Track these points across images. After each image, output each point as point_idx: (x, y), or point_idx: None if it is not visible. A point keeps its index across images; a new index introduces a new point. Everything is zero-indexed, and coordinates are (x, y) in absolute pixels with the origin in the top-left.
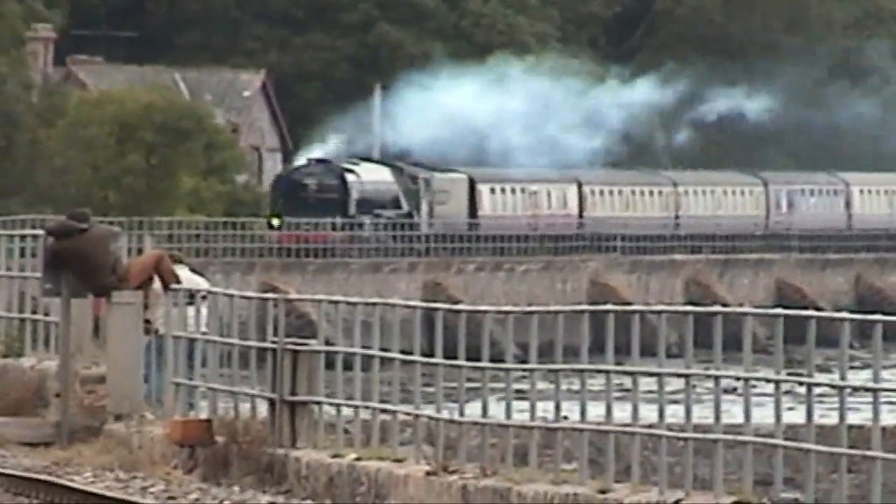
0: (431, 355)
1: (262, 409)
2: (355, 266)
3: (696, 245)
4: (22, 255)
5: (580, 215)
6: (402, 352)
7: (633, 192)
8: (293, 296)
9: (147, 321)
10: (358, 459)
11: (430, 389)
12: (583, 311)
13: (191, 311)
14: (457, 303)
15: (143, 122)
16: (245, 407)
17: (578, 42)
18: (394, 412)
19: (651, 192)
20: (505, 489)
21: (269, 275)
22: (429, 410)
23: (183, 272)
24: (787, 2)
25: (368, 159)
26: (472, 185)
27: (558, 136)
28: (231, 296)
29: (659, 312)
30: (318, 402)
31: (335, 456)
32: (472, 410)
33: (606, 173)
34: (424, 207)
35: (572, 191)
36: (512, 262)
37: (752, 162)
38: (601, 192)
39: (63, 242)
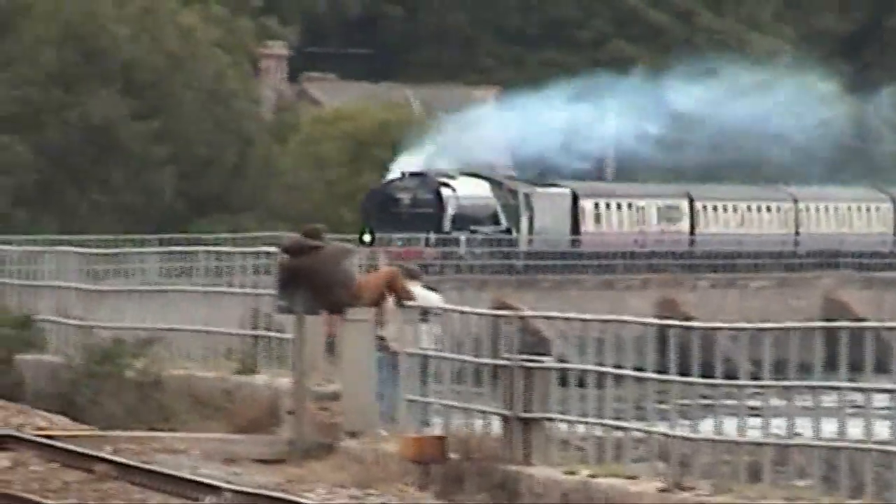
0: (664, 372)
1: (496, 425)
2: (588, 283)
3: None
4: (256, 272)
5: (692, 232)
6: (636, 368)
7: (749, 208)
8: (526, 312)
9: (380, 338)
10: (591, 476)
11: (664, 406)
12: (815, 328)
13: (424, 327)
14: (690, 320)
15: (377, 140)
16: (478, 423)
17: (811, 57)
18: (627, 429)
19: (769, 208)
20: None
21: (503, 291)
22: (662, 427)
23: (417, 289)
24: None
25: (470, 173)
26: (574, 199)
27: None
28: (464, 312)
29: (893, 328)
30: (552, 419)
31: (568, 473)
32: (706, 427)
33: (720, 188)
34: (524, 223)
35: (683, 206)
36: (745, 279)
37: None
38: (714, 208)
39: (297, 260)
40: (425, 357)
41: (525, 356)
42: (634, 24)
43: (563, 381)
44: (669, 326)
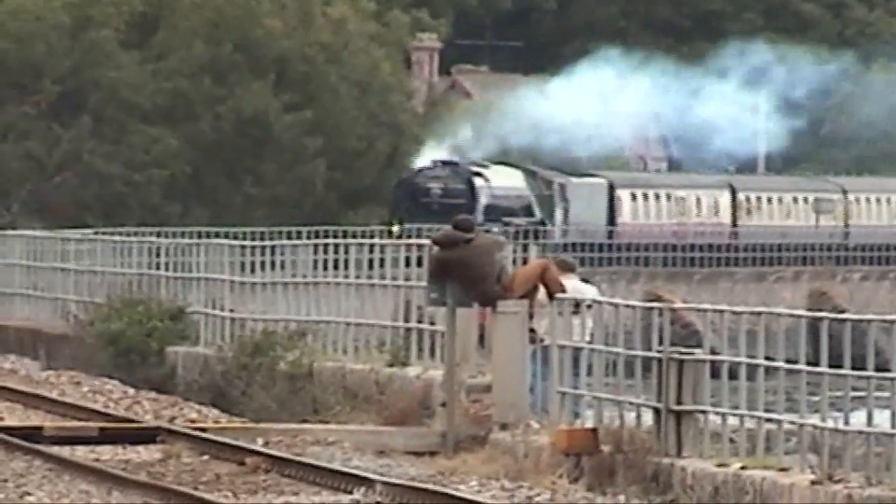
0: (816, 364)
1: (648, 417)
2: (740, 275)
3: None
4: (407, 264)
5: (734, 224)
6: (788, 361)
7: (796, 200)
8: (678, 305)
9: (532, 330)
10: (743, 468)
11: (815, 398)
12: None
13: (576, 320)
14: (842, 312)
15: None
16: (630, 416)
17: None
18: (779, 421)
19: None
20: (890, 498)
21: (654, 284)
22: (814, 419)
23: (570, 281)
24: None
25: (503, 162)
26: (611, 190)
27: None
28: (616, 305)
29: None
30: (704, 411)
31: (720, 465)
32: (857, 419)
33: (762, 179)
34: (558, 215)
35: (725, 197)
36: None
37: None
38: (757, 199)
39: (449, 252)
40: (577, 349)
41: (677, 348)
42: (785, 16)
43: (715, 374)
44: (821, 319)
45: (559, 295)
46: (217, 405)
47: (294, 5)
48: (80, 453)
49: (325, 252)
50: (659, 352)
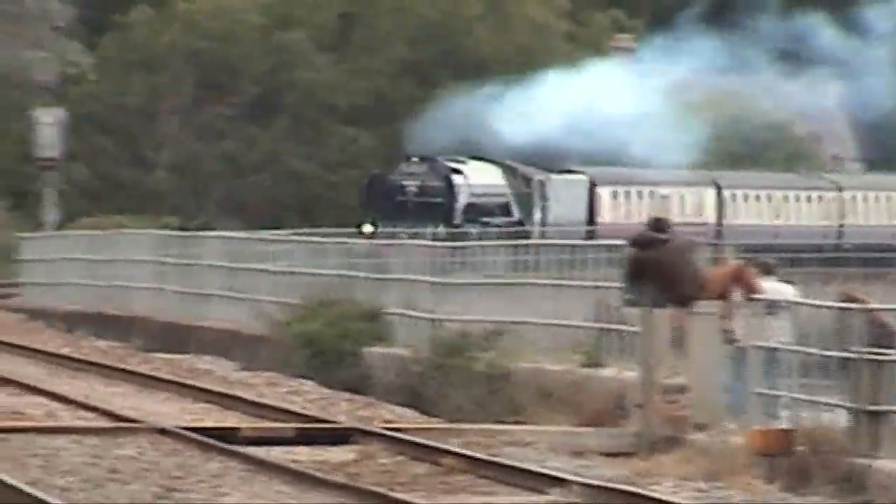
0: None
1: (843, 418)
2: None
3: None
4: (603, 265)
5: (718, 223)
6: None
7: (786, 198)
8: (874, 305)
9: (727, 331)
10: None
11: None
12: None
13: (773, 321)
14: None
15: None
16: (825, 416)
17: None
18: None
19: (808, 198)
20: None
21: (849, 284)
22: None
23: (769, 283)
24: None
25: (479, 157)
26: (592, 187)
27: None
28: (812, 306)
29: None
30: None
31: None
32: None
33: (749, 175)
34: (537, 214)
35: (710, 195)
36: None
37: None
38: (745, 197)
39: (644, 252)
40: (773, 350)
41: (872, 349)
42: None
43: None
44: None
45: (755, 296)
46: (413, 406)
47: (493, 7)
48: (276, 454)
49: (521, 253)
50: (854, 353)
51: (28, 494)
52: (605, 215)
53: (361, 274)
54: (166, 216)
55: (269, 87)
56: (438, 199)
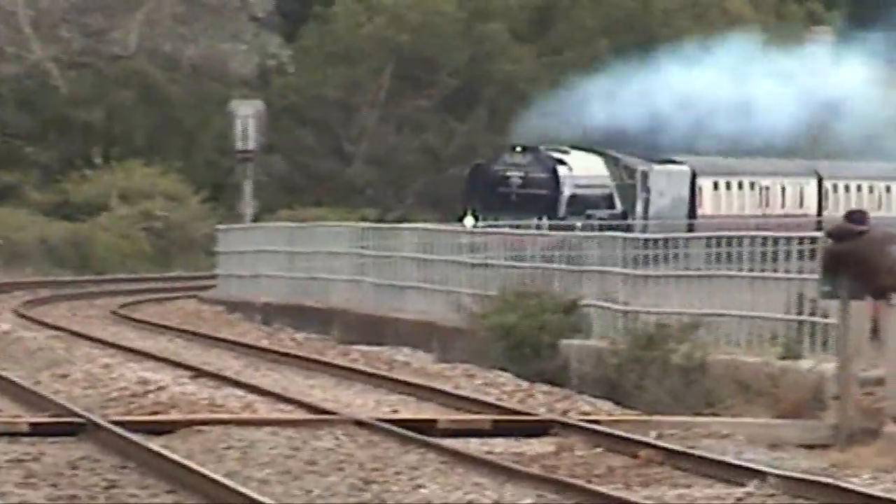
0: None
1: None
2: None
3: None
4: (800, 257)
5: (819, 214)
6: None
7: (889, 189)
8: None
9: None
10: None
11: None
12: None
13: None
14: None
15: None
16: None
17: None
18: None
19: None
20: None
21: None
22: None
23: None
24: None
25: (579, 147)
26: (693, 178)
27: None
28: None
29: None
30: None
31: None
32: None
33: (851, 165)
34: (639, 206)
35: (811, 186)
36: None
37: None
38: (846, 188)
39: (842, 244)
40: None
41: None
42: None
43: None
44: None
45: None
46: (610, 398)
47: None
48: (473, 446)
49: (718, 245)
50: None
51: (225, 486)
52: (707, 208)
53: (558, 266)
54: (364, 208)
55: (468, 78)
56: (543, 191)
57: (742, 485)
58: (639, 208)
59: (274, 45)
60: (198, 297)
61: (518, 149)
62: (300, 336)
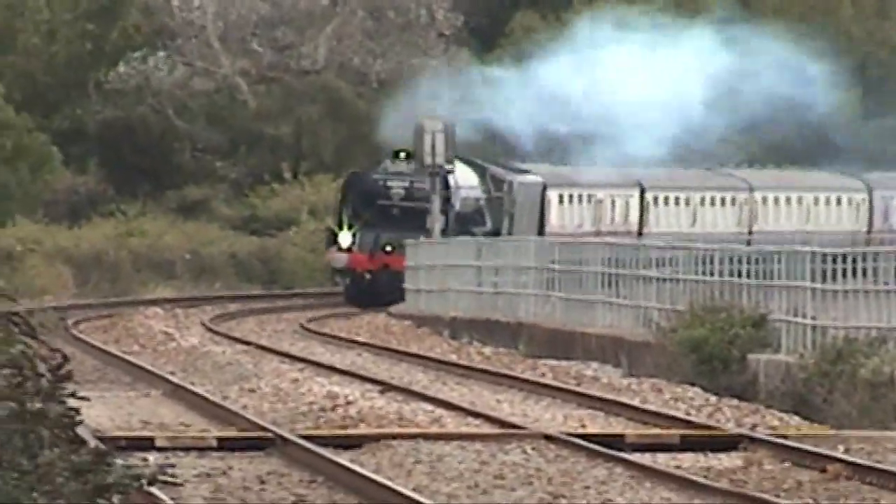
0: None
1: None
2: None
3: None
4: None
5: (639, 231)
6: None
7: (703, 202)
8: None
9: None
10: None
11: None
12: None
13: None
14: None
15: None
16: None
17: None
18: None
19: (723, 201)
20: None
21: None
22: None
23: None
24: None
25: (460, 157)
26: (543, 191)
27: None
28: None
29: None
30: None
31: None
32: None
33: (671, 174)
34: (505, 223)
35: (634, 199)
36: None
37: None
38: (665, 201)
39: None
40: None
41: None
42: None
43: None
44: None
45: None
46: (798, 412)
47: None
48: (661, 460)
49: None
50: None
51: (414, 501)
52: (553, 224)
53: (746, 280)
54: None
55: None
56: (426, 205)
57: None
58: (505, 224)
59: (463, 61)
60: (386, 311)
61: (402, 155)
62: (487, 350)
